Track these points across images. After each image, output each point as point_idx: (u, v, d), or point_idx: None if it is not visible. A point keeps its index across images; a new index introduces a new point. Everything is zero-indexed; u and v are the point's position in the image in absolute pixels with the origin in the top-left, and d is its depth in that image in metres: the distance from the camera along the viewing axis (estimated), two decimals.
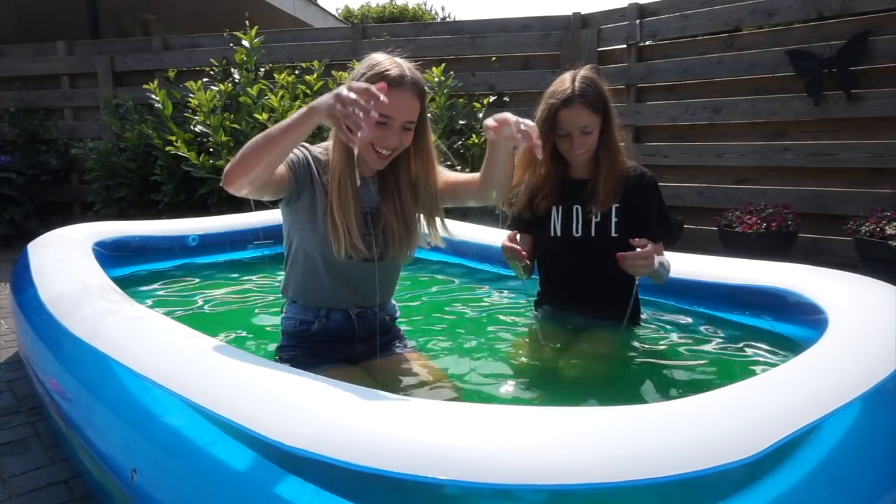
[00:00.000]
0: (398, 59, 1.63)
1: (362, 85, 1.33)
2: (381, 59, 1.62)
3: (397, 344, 1.90)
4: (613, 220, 2.01)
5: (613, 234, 2.01)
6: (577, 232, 2.05)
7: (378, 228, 1.73)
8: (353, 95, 1.30)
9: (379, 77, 1.55)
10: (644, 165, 2.10)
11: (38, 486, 1.72)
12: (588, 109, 1.91)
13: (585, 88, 1.91)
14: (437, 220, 1.77)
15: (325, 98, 1.35)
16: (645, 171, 2.05)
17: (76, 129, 6.14)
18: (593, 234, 2.03)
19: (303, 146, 1.70)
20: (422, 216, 1.77)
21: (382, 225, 1.73)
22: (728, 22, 4.45)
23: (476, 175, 1.73)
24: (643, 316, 2.24)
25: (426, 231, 1.78)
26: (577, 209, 2.04)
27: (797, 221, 3.86)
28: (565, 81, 1.94)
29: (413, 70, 1.62)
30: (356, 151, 1.54)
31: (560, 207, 2.06)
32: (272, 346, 1.96)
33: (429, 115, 1.73)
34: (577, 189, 2.04)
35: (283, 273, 1.85)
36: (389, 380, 1.74)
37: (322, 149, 1.74)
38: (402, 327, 2.00)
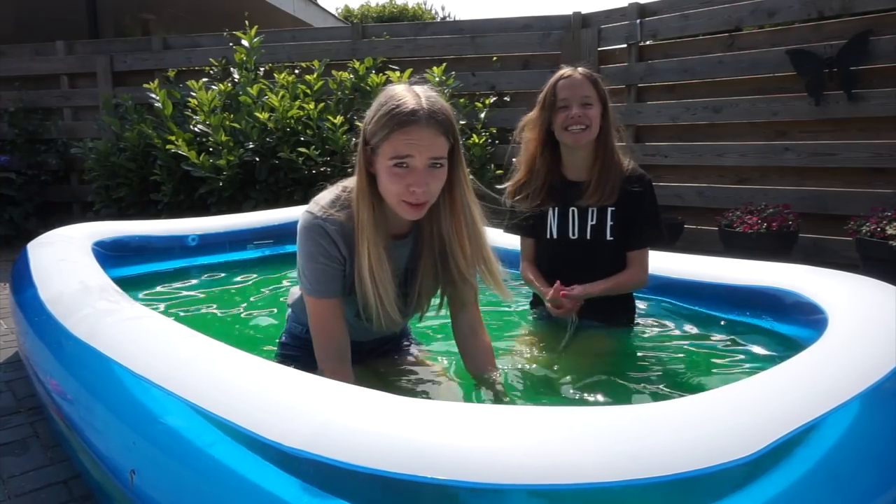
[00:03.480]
0: (417, 89, 1.40)
1: None
2: (396, 92, 1.40)
3: (405, 343, 1.90)
4: (609, 223, 2.01)
5: (609, 238, 2.02)
6: (573, 234, 2.06)
7: (411, 289, 1.59)
8: None
9: (390, 116, 1.36)
10: (644, 165, 2.12)
11: (37, 486, 1.71)
12: (591, 84, 1.96)
13: (588, 71, 2.00)
14: (491, 275, 1.57)
15: None
16: (643, 174, 2.05)
17: (76, 128, 6.14)
18: (589, 236, 2.04)
19: (324, 221, 1.47)
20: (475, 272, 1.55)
21: (418, 286, 1.58)
22: (728, 22, 4.44)
23: (476, 336, 1.65)
24: (639, 318, 2.24)
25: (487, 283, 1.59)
26: (573, 211, 2.05)
27: (798, 221, 3.86)
28: (567, 67, 2.02)
29: (434, 100, 1.39)
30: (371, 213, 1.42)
31: (556, 209, 2.07)
32: (272, 347, 1.96)
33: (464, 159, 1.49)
34: (573, 190, 2.05)
35: (282, 273, 1.84)
36: (394, 380, 1.73)
37: (342, 198, 1.51)
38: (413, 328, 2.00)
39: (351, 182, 1.52)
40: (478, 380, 1.65)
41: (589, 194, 2.01)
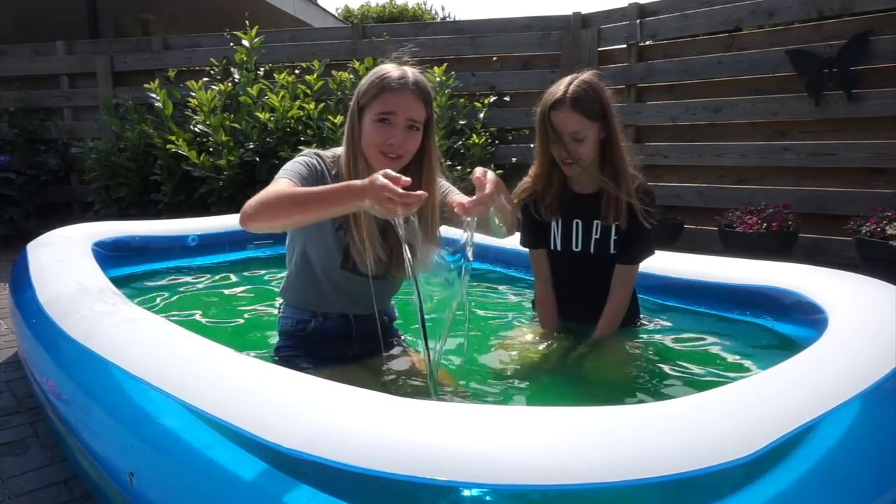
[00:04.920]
0: (404, 67, 1.66)
1: (396, 193, 1.27)
2: (386, 66, 1.66)
3: (395, 343, 1.90)
4: (613, 237, 1.98)
5: (612, 251, 1.99)
6: (576, 246, 2.03)
7: (389, 244, 1.70)
8: (398, 202, 1.27)
9: (380, 79, 1.60)
10: (644, 165, 2.08)
11: (37, 486, 1.71)
12: (579, 114, 1.83)
13: (580, 93, 1.84)
14: (431, 237, 1.68)
15: (373, 194, 1.29)
16: (648, 191, 1.96)
17: (76, 128, 6.15)
18: (592, 250, 2.01)
19: (316, 154, 1.69)
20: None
21: (391, 241, 1.70)
22: (728, 22, 4.45)
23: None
24: (642, 317, 2.24)
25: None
26: (577, 223, 2.02)
27: (798, 221, 3.86)
28: (561, 84, 1.88)
29: (418, 75, 1.65)
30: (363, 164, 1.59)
31: (560, 220, 2.04)
32: (271, 348, 1.96)
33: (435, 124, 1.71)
34: (579, 203, 2.00)
35: (282, 273, 1.85)
36: (390, 380, 1.74)
37: (328, 154, 1.73)
38: (404, 328, 2.00)
39: (337, 150, 1.74)
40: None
41: (599, 214, 1.96)
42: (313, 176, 1.64)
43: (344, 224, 1.67)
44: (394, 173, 1.31)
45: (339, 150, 1.72)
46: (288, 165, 1.65)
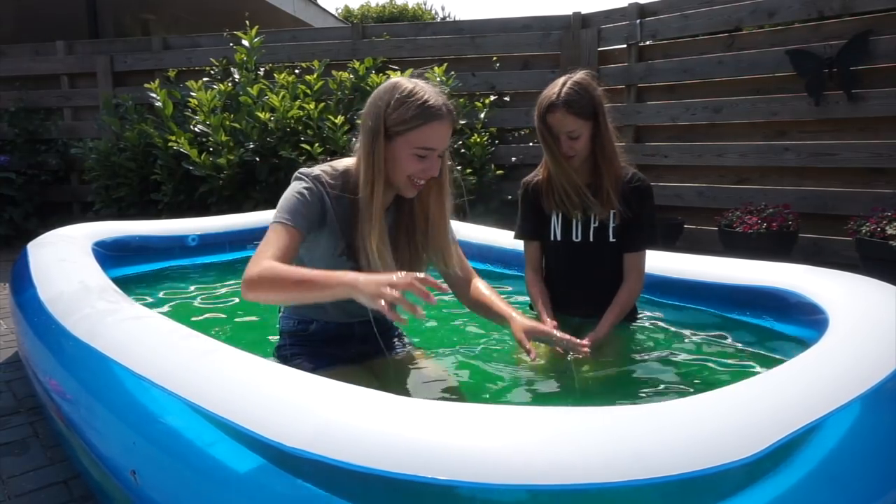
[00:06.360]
0: (425, 85, 1.56)
1: (422, 289, 1.29)
2: (417, 87, 1.53)
3: (397, 343, 1.91)
4: (611, 225, 2.05)
5: (612, 239, 2.06)
6: (576, 237, 2.09)
7: (394, 256, 1.69)
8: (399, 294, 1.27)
9: (421, 109, 1.50)
10: (644, 165, 2.12)
11: (37, 486, 1.72)
12: (573, 115, 1.92)
13: (572, 94, 1.92)
14: (449, 249, 1.73)
15: (371, 287, 1.30)
16: (642, 178, 2.07)
17: (76, 128, 6.15)
18: (592, 238, 2.07)
19: (315, 179, 1.60)
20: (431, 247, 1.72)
21: (399, 253, 1.70)
22: (728, 22, 4.45)
23: (469, 279, 1.81)
24: (639, 318, 2.24)
25: (441, 261, 1.75)
26: (576, 214, 2.07)
27: (798, 221, 3.86)
28: (555, 86, 1.96)
29: (446, 98, 1.58)
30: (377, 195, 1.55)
31: (559, 213, 2.09)
32: (272, 347, 1.96)
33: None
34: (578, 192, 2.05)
35: None
36: (390, 379, 1.74)
37: (329, 171, 1.64)
38: (402, 327, 2.00)
39: (341, 164, 1.67)
40: (476, 303, 1.81)
41: (596, 210, 2.04)
42: (314, 208, 1.58)
43: (347, 251, 1.64)
44: (420, 283, 1.29)
45: (347, 163, 1.66)
46: (284, 203, 1.57)
